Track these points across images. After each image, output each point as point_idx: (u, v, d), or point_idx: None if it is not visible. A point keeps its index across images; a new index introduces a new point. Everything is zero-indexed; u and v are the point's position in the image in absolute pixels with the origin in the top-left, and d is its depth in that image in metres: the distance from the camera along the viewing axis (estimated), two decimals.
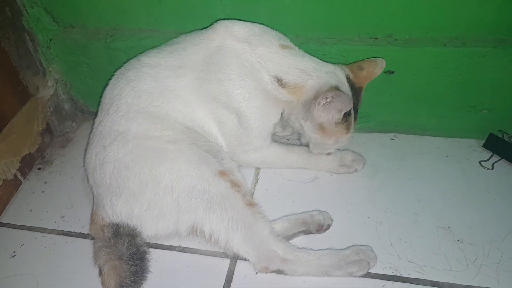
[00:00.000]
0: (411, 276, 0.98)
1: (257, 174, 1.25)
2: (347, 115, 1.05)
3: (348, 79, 1.07)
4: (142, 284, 0.98)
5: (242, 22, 1.10)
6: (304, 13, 1.16)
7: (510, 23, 1.07)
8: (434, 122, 1.29)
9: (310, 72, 1.04)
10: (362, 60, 1.11)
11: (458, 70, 1.15)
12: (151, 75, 1.08)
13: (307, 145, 1.21)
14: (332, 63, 1.09)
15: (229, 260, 1.04)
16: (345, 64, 1.12)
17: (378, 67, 1.09)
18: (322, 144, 1.14)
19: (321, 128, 1.07)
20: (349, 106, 1.01)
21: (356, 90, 1.08)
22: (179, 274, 1.03)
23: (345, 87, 1.05)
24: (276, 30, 1.13)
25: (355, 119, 1.10)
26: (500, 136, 1.22)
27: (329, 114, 1.03)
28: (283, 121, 1.16)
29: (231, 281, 1.00)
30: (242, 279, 1.00)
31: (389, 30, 1.15)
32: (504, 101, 1.19)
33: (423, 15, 1.10)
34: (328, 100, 1.00)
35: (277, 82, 1.05)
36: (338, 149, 1.22)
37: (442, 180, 1.19)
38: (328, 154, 1.19)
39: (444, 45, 1.12)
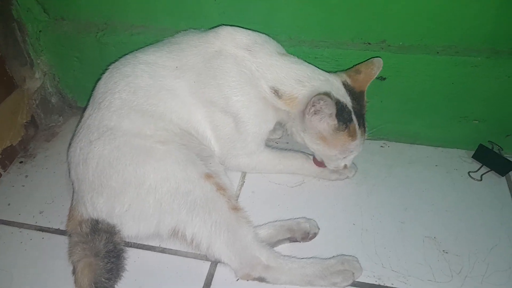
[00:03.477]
0: (395, 285, 0.96)
1: (243, 177, 1.23)
2: (346, 120, 1.02)
3: (345, 85, 1.06)
4: (116, 282, 0.95)
5: (244, 29, 1.09)
6: (298, 15, 1.15)
7: (504, 33, 1.06)
8: (425, 131, 1.28)
9: (304, 82, 1.03)
10: (359, 63, 1.10)
11: (450, 79, 1.14)
12: (148, 73, 1.07)
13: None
14: (329, 72, 1.08)
15: (209, 263, 1.02)
16: (343, 71, 1.10)
17: (375, 67, 1.07)
18: (327, 156, 1.10)
19: (321, 137, 1.05)
20: (333, 110, 0.98)
21: (356, 95, 1.07)
22: (158, 275, 1.00)
23: (341, 92, 1.04)
24: (269, 31, 1.13)
25: (361, 125, 1.06)
26: (490, 148, 1.21)
27: (321, 121, 1.02)
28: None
29: (210, 284, 0.98)
30: (222, 283, 0.98)
31: (383, 35, 1.14)
32: (496, 112, 1.18)
33: (418, 22, 1.09)
34: (315, 106, 0.99)
35: (274, 93, 1.04)
36: None
37: (430, 189, 1.17)
38: (344, 167, 1.13)
39: (438, 53, 1.11)
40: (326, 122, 1.02)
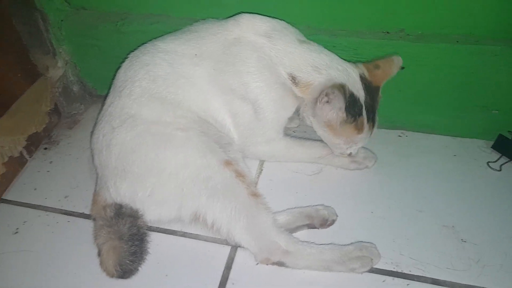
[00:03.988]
0: (412, 272, 0.97)
1: (261, 165, 1.25)
2: (355, 114, 1.03)
3: (362, 78, 1.06)
4: (140, 265, 0.98)
5: (263, 16, 1.10)
6: (316, 4, 1.15)
7: None
8: (443, 121, 1.28)
9: (321, 70, 1.04)
10: (379, 58, 1.10)
11: (470, 68, 1.13)
12: (167, 61, 1.08)
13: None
14: (349, 61, 1.08)
15: (230, 247, 1.04)
16: (362, 62, 1.10)
17: (394, 66, 1.07)
18: (332, 143, 1.12)
19: (329, 126, 1.06)
20: (343, 105, 1.00)
21: (371, 89, 1.07)
22: (180, 258, 1.03)
23: (357, 86, 1.04)
24: (287, 19, 1.13)
25: (370, 120, 1.07)
26: (510, 138, 1.20)
27: (331, 111, 1.03)
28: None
29: (231, 268, 1.00)
30: (242, 267, 1.00)
31: (402, 24, 1.13)
32: None
33: (437, 11, 1.08)
34: (328, 97, 1.00)
35: (291, 80, 1.05)
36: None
37: (448, 179, 1.17)
38: (349, 155, 1.15)
39: (457, 42, 1.10)
40: (335, 113, 1.03)
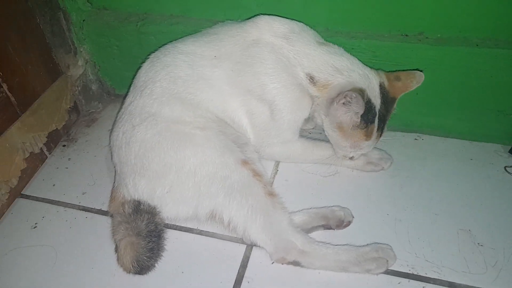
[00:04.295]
0: (428, 275, 0.97)
1: (277, 165, 1.25)
2: (368, 121, 1.04)
3: (381, 86, 1.06)
4: (157, 261, 0.99)
5: (282, 18, 1.11)
6: (335, 6, 1.16)
7: None
8: (460, 125, 1.27)
9: (343, 71, 1.04)
10: (401, 70, 1.10)
11: (489, 72, 1.13)
12: (187, 63, 1.10)
13: None
14: (371, 67, 1.09)
15: (245, 246, 1.05)
16: (384, 72, 1.10)
17: (415, 81, 1.06)
18: (338, 145, 1.12)
19: (339, 127, 1.07)
20: (361, 110, 1.00)
21: (388, 99, 1.07)
22: (196, 256, 1.04)
23: (375, 93, 1.04)
24: (306, 21, 1.14)
25: (380, 129, 1.07)
26: None
27: (345, 114, 1.03)
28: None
29: (246, 266, 1.01)
30: (257, 265, 1.01)
31: (420, 27, 1.13)
32: None
33: (456, 14, 1.08)
34: (346, 100, 1.00)
35: (309, 80, 1.06)
36: None
37: (465, 183, 1.17)
38: (351, 158, 1.16)
39: (477, 45, 1.10)
40: (350, 117, 1.03)
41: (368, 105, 1.02)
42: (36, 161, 1.28)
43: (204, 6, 1.26)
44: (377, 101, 1.05)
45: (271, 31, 1.09)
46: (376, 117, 1.05)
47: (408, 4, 1.10)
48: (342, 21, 1.18)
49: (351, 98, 0.99)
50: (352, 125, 1.04)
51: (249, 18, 1.15)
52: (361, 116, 1.02)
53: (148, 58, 1.17)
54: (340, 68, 1.04)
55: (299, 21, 1.12)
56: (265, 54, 1.07)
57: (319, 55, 1.06)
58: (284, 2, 1.19)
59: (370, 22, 1.16)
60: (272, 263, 1.00)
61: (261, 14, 1.14)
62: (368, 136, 1.06)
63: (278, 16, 1.12)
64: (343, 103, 1.02)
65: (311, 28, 1.13)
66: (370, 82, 1.05)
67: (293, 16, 1.16)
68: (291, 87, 1.08)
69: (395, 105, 1.09)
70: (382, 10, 1.13)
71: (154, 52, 1.17)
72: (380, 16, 1.14)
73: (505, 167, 1.20)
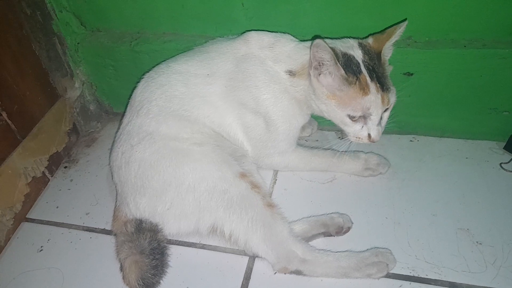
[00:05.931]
0: (429, 276, 0.98)
1: (275, 175, 1.27)
2: (354, 72, 0.96)
3: (361, 44, 1.02)
4: (162, 278, 1.01)
5: (269, 32, 1.13)
6: (323, 17, 1.18)
7: None
8: (454, 124, 1.29)
9: (309, 47, 1.00)
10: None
11: (478, 71, 1.14)
12: (181, 82, 1.12)
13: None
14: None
15: (248, 258, 1.06)
16: (372, 35, 1.06)
17: (398, 27, 1.00)
18: (343, 121, 1.02)
19: (331, 95, 1.00)
20: (332, 59, 0.93)
21: (371, 51, 1.01)
22: (199, 270, 1.05)
23: (352, 47, 1.01)
24: (295, 33, 1.15)
25: (374, 80, 0.97)
26: None
27: (325, 76, 0.98)
28: None
29: (250, 278, 1.02)
30: (261, 276, 1.02)
31: (409, 32, 1.14)
32: None
33: (443, 17, 1.10)
34: (315, 59, 0.96)
35: (289, 74, 1.07)
36: (362, 151, 1.23)
37: (461, 182, 1.18)
38: (369, 137, 1.03)
39: (464, 46, 1.12)
40: (331, 75, 0.97)
41: (345, 57, 0.98)
42: (38, 185, 1.30)
43: (195, 23, 1.28)
44: (356, 53, 1.00)
45: (258, 45, 1.11)
46: (361, 67, 0.98)
47: (396, 10, 1.11)
48: (331, 30, 1.19)
49: (317, 52, 0.94)
50: (341, 82, 0.97)
51: (240, 33, 1.17)
52: (343, 67, 0.95)
53: (143, 78, 1.19)
54: (308, 46, 1.03)
55: (288, 34, 1.14)
56: (253, 68, 1.09)
57: (293, 48, 1.08)
58: (274, 15, 1.20)
59: (358, 30, 1.17)
60: (275, 273, 1.02)
61: (251, 29, 1.16)
62: (364, 89, 0.96)
63: (266, 31, 1.14)
64: (315, 67, 0.98)
65: (299, 39, 1.14)
66: (344, 42, 1.03)
67: (282, 28, 1.18)
68: (280, 96, 1.09)
69: (385, 60, 1.03)
70: (370, 18, 1.14)
71: (148, 72, 1.20)
72: (368, 22, 1.15)
73: (500, 164, 1.21)
